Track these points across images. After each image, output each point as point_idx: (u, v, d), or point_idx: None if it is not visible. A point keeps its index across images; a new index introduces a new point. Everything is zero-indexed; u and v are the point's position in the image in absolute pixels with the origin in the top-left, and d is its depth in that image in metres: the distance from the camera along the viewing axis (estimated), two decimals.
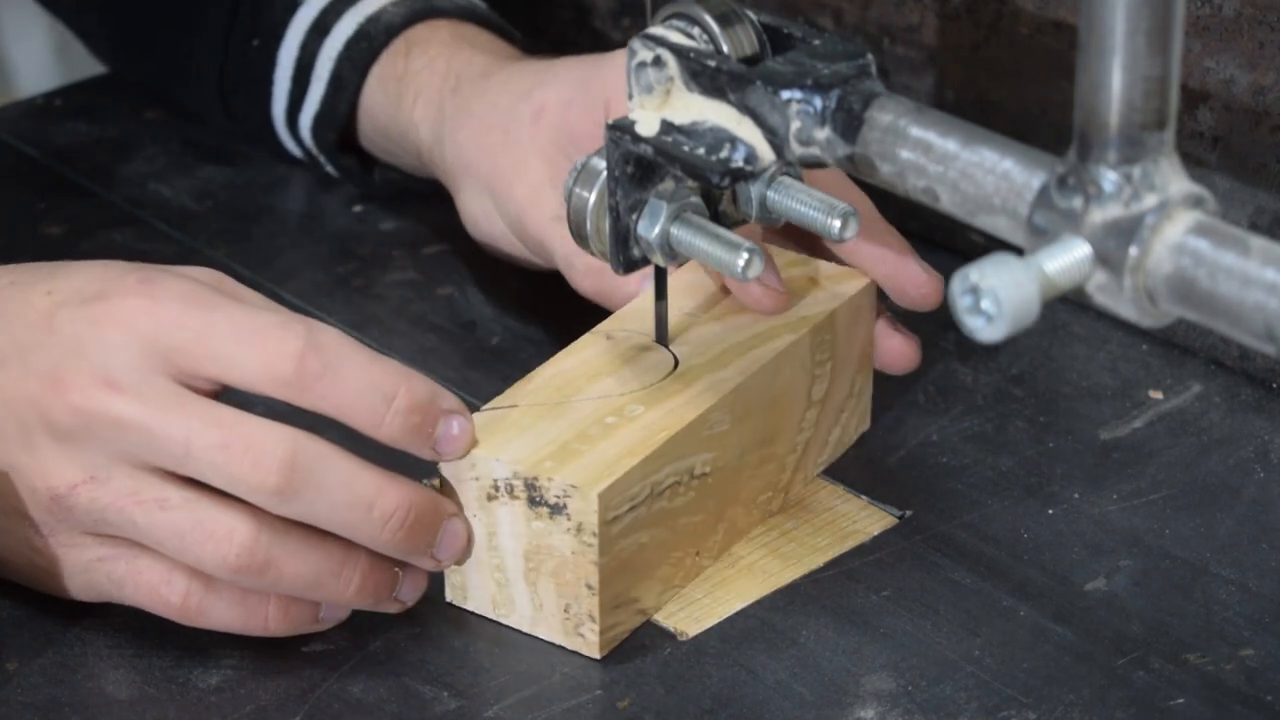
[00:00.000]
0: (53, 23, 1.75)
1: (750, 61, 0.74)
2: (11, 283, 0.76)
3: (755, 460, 0.81)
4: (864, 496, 0.85)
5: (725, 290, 0.84)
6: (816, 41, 0.73)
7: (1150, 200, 0.62)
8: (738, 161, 0.73)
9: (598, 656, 0.76)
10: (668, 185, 0.76)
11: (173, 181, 1.08)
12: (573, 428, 0.77)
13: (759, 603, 0.80)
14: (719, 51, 0.74)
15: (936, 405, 0.90)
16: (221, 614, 0.74)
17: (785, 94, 0.71)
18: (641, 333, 0.82)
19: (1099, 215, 0.62)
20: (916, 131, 0.68)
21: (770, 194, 0.74)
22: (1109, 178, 0.62)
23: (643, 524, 0.76)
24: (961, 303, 0.60)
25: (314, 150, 1.04)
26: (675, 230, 0.75)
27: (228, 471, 0.71)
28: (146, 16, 1.09)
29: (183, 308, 0.73)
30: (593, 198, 0.77)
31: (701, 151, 0.73)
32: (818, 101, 0.71)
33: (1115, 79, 0.61)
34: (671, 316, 0.82)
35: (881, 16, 1.01)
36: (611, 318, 0.84)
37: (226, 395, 0.73)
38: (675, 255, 0.76)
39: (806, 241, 0.89)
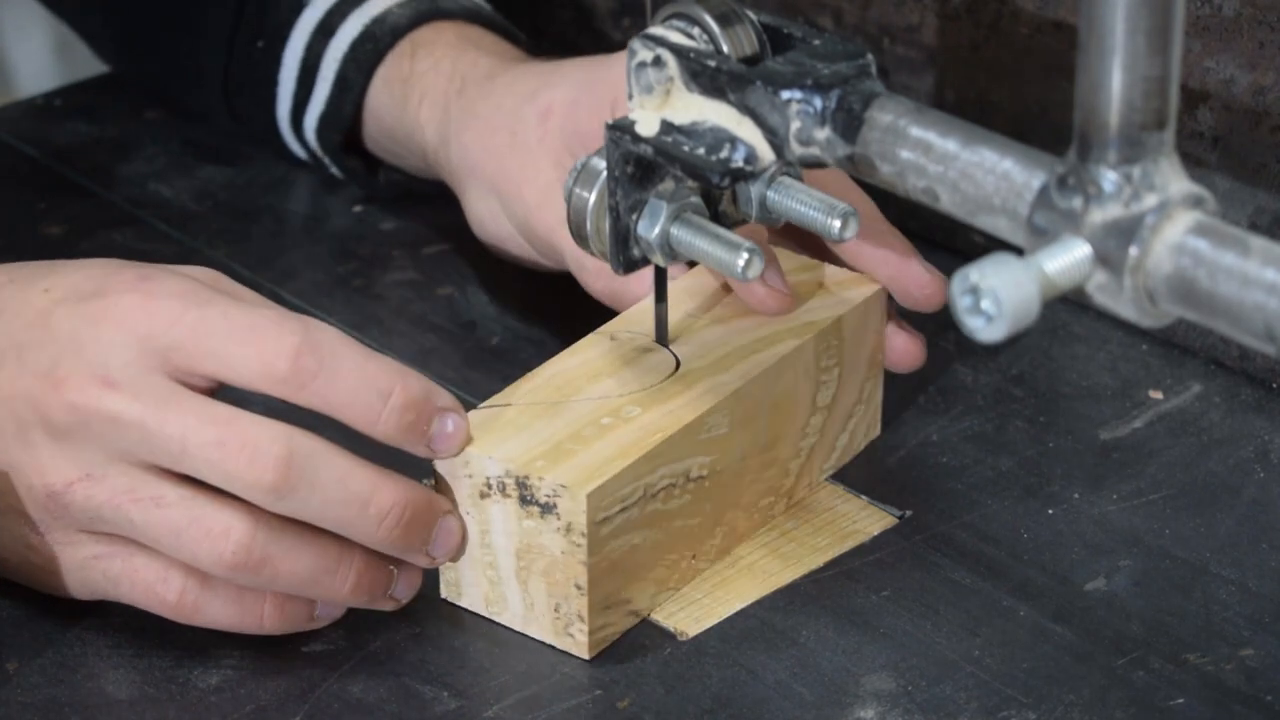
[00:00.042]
0: (53, 23, 1.74)
1: (750, 61, 0.74)
2: (10, 280, 0.76)
3: (756, 465, 0.81)
4: (864, 496, 0.85)
5: (731, 293, 0.84)
6: (816, 41, 0.73)
7: (1150, 200, 0.62)
8: (738, 161, 0.73)
9: (586, 657, 0.76)
10: (668, 185, 0.76)
11: (173, 181, 1.08)
12: (567, 427, 0.77)
13: (759, 603, 0.80)
14: (719, 51, 0.74)
15: (936, 405, 0.90)
16: (217, 612, 0.74)
17: (785, 94, 0.71)
18: (646, 334, 0.82)
19: (1099, 215, 0.62)
20: (916, 131, 0.68)
21: (770, 194, 0.74)
22: (1109, 178, 0.62)
23: (635, 525, 0.76)
24: (961, 303, 0.60)
25: (318, 152, 1.04)
26: (675, 230, 0.75)
27: (224, 469, 0.71)
28: (150, 18, 1.08)
29: (179, 305, 0.73)
30: (593, 198, 0.77)
31: (701, 151, 0.73)
32: (818, 101, 0.71)
33: (1115, 79, 0.61)
34: (677, 318, 0.82)
35: (881, 16, 1.01)
36: (617, 318, 0.83)
37: (223, 393, 0.74)
38: (675, 255, 0.76)
39: (810, 243, 0.89)
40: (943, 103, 1.00)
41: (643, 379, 0.79)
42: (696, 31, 0.74)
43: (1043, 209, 0.64)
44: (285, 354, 0.72)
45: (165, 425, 0.71)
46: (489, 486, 0.75)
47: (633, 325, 0.83)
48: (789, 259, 0.86)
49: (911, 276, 0.87)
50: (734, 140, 0.73)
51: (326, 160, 1.04)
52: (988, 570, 0.81)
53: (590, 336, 0.82)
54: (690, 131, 0.74)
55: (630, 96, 0.75)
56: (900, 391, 0.90)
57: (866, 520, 0.84)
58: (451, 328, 0.96)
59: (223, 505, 0.72)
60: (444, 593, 0.79)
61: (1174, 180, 0.62)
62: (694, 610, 0.79)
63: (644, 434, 0.76)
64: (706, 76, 0.73)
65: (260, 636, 0.76)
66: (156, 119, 1.13)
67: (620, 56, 0.88)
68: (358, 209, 1.05)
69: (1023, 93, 0.97)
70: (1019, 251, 0.63)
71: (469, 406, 0.77)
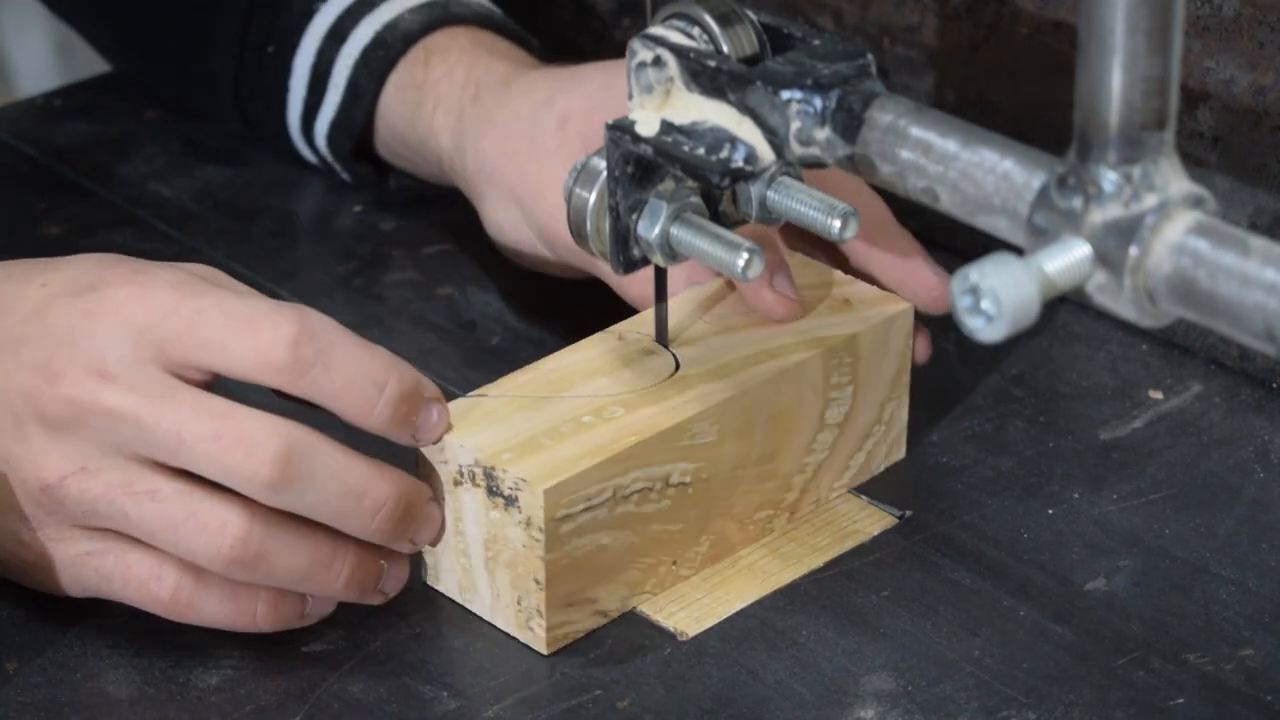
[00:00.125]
0: (53, 23, 1.74)
1: (750, 61, 0.74)
2: (8, 277, 0.76)
3: (752, 476, 0.81)
4: (864, 496, 0.85)
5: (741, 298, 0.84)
6: (816, 41, 0.73)
7: (1150, 200, 0.62)
8: (738, 161, 0.73)
9: (544, 652, 0.76)
10: (668, 185, 0.76)
11: (173, 181, 1.08)
12: (547, 423, 0.77)
13: (759, 603, 0.80)
14: (719, 51, 0.74)
15: (936, 405, 0.90)
16: (211, 609, 0.74)
17: (785, 94, 0.71)
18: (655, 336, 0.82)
19: (1099, 215, 0.62)
20: (916, 131, 0.68)
21: (770, 194, 0.74)
22: (1109, 178, 0.62)
23: (603, 525, 0.76)
24: (961, 303, 0.60)
25: (329, 158, 1.03)
26: (675, 230, 0.75)
27: (221, 463, 0.71)
28: (160, 24, 1.08)
29: (174, 296, 0.73)
30: (593, 198, 0.77)
31: (701, 151, 0.73)
32: (818, 101, 0.71)
33: (1115, 79, 0.61)
34: (690, 323, 0.82)
35: (881, 16, 1.01)
36: (631, 319, 0.83)
37: (217, 388, 0.73)
38: (675, 255, 0.76)
39: (823, 246, 0.89)
40: (943, 103, 1.00)
41: (637, 380, 0.79)
42: (696, 31, 0.74)
43: (1043, 209, 0.64)
44: (283, 342, 0.72)
45: (161, 419, 0.71)
46: (461, 475, 0.76)
47: (645, 326, 0.82)
48: (820, 272, 0.86)
49: (919, 279, 0.87)
50: (734, 140, 0.73)
51: (337, 166, 1.04)
52: (988, 570, 0.81)
53: (598, 335, 0.82)
54: (690, 131, 0.74)
55: (630, 96, 0.75)
56: None
57: (866, 520, 0.84)
58: (451, 328, 0.96)
59: (219, 500, 0.72)
60: (424, 576, 0.79)
61: (1174, 180, 0.62)
62: (694, 610, 0.79)
63: (619, 435, 0.76)
64: (706, 76, 0.73)
65: (260, 636, 0.76)
66: (156, 119, 1.13)
67: None
68: (358, 209, 1.05)
69: (1023, 93, 0.97)
70: (1019, 251, 0.63)
71: None
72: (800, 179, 0.74)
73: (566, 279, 0.93)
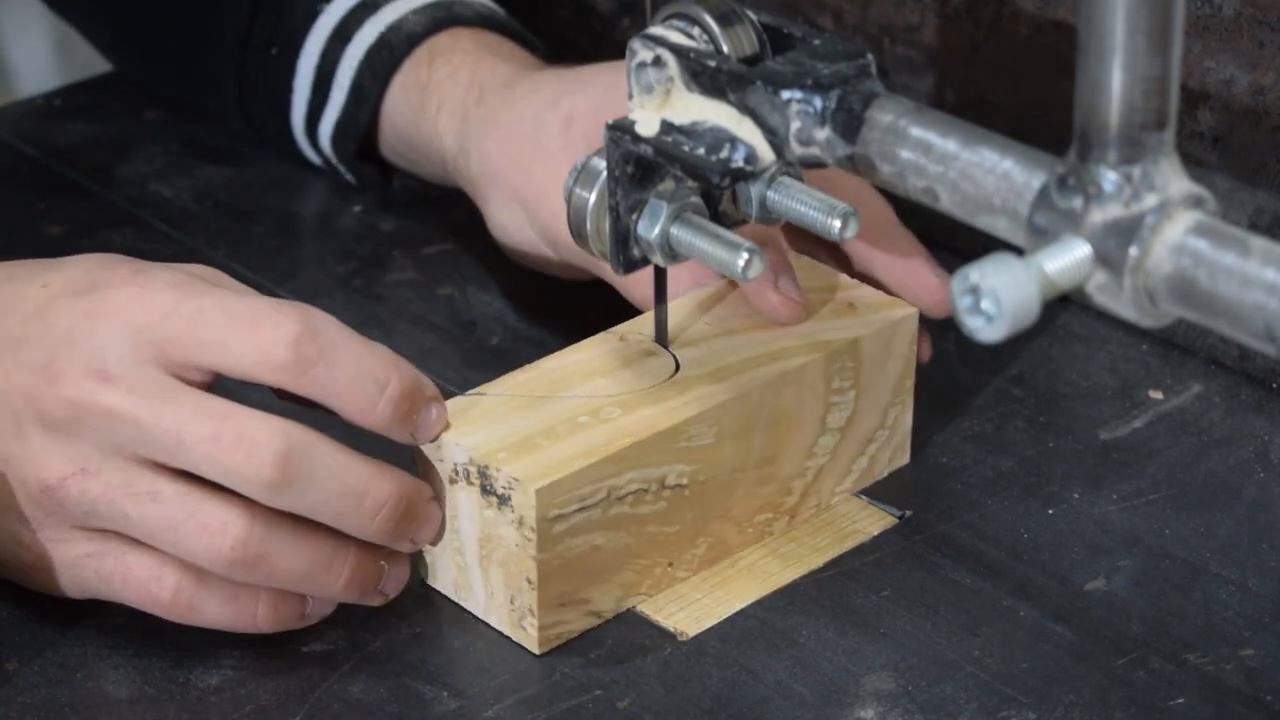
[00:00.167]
0: (53, 22, 1.74)
1: (750, 61, 0.74)
2: (10, 277, 0.76)
3: (751, 479, 0.81)
4: (864, 496, 0.85)
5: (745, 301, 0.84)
6: (816, 41, 0.73)
7: (1150, 200, 0.62)
8: (738, 161, 0.73)
9: (537, 651, 0.76)
10: (668, 185, 0.76)
11: (173, 181, 1.08)
12: (543, 422, 0.77)
13: (759, 603, 0.80)
14: (719, 51, 0.74)
15: (936, 404, 0.90)
16: (211, 611, 0.74)
17: (785, 94, 0.71)
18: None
19: (1099, 215, 0.62)
20: (916, 131, 0.68)
21: (770, 194, 0.74)
22: (1109, 178, 0.62)
23: (597, 526, 0.76)
24: (961, 303, 0.60)
25: (333, 159, 1.03)
26: (675, 230, 0.75)
27: (221, 463, 0.71)
28: (163, 25, 1.08)
29: (174, 296, 0.73)
30: (593, 198, 0.77)
31: (701, 151, 0.73)
32: (818, 101, 0.71)
33: (1115, 79, 0.61)
34: (693, 325, 0.82)
35: (881, 16, 1.01)
36: (633, 320, 0.83)
37: (218, 389, 0.73)
38: (675, 255, 0.76)
39: (826, 248, 0.89)
40: (943, 103, 1.00)
41: (636, 381, 0.79)
42: (696, 31, 0.74)
43: (1043, 209, 0.64)
44: (285, 341, 0.72)
45: (161, 420, 0.71)
46: (456, 473, 0.76)
47: (647, 328, 0.82)
48: (824, 275, 0.85)
49: (921, 281, 0.87)
50: (734, 140, 0.73)
51: (341, 168, 1.04)
52: (988, 570, 0.81)
53: (599, 335, 0.82)
54: (690, 131, 0.74)
55: (630, 96, 0.75)
56: None
57: (866, 520, 0.84)
58: (451, 328, 0.96)
59: (219, 500, 0.72)
60: (421, 573, 0.79)
61: (1174, 180, 0.62)
62: (694, 610, 0.79)
63: (615, 436, 0.76)
64: (706, 76, 0.73)
65: (260, 636, 0.76)
66: (156, 119, 1.13)
67: None
68: (358, 209, 1.05)
69: (1023, 93, 0.97)
70: (1019, 251, 0.63)
71: None
72: (800, 179, 0.74)
73: (569, 280, 0.93)
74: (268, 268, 1.00)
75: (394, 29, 0.99)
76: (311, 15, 1.02)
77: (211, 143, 1.11)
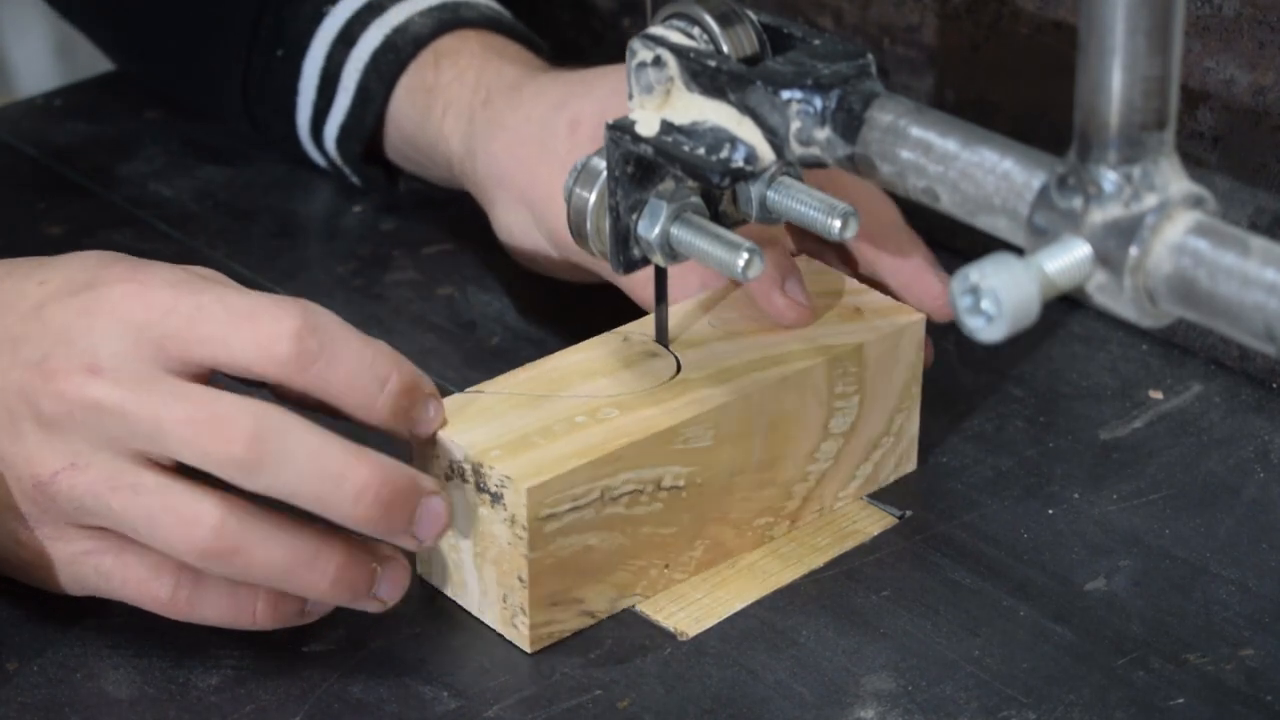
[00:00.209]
0: (53, 23, 1.74)
1: (750, 61, 0.74)
2: (8, 274, 0.76)
3: (750, 483, 0.80)
4: (864, 496, 0.85)
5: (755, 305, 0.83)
6: (816, 41, 0.73)
7: (1150, 200, 0.62)
8: (738, 161, 0.73)
9: (528, 650, 0.76)
10: (668, 185, 0.76)
11: (173, 181, 1.08)
12: (540, 421, 0.77)
13: (759, 603, 0.80)
14: (719, 51, 0.74)
15: (936, 405, 0.90)
16: (210, 608, 0.74)
17: (785, 94, 0.71)
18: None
19: (1099, 215, 0.62)
20: (916, 131, 0.68)
21: (770, 194, 0.74)
22: (1109, 178, 0.62)
23: (590, 526, 0.76)
24: (961, 303, 0.60)
25: (338, 161, 1.03)
26: (675, 230, 0.75)
27: (197, 446, 0.71)
28: (168, 27, 1.08)
29: (173, 294, 0.73)
30: (593, 198, 0.77)
31: (701, 151, 0.73)
32: (818, 101, 0.71)
33: (1115, 79, 0.61)
34: (699, 328, 0.82)
35: (881, 16, 1.01)
36: (638, 321, 0.83)
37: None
38: (675, 255, 0.76)
39: (832, 249, 0.89)
40: (943, 103, 1.00)
41: (636, 382, 0.79)
42: (696, 31, 0.74)
43: (1043, 209, 0.64)
44: (286, 335, 0.72)
45: (140, 407, 0.71)
46: (451, 470, 0.76)
47: (651, 329, 0.82)
48: (833, 279, 0.85)
49: (924, 287, 0.87)
50: (734, 140, 0.73)
51: (347, 170, 1.03)
52: (988, 570, 0.81)
53: (603, 335, 0.82)
54: (690, 131, 0.74)
55: (630, 96, 0.75)
56: None
57: (866, 520, 0.84)
58: (451, 328, 0.96)
59: (197, 492, 0.72)
60: (418, 569, 0.79)
61: (1174, 180, 0.62)
62: (694, 610, 0.79)
63: (610, 436, 0.76)
64: (706, 76, 0.73)
65: (260, 636, 0.76)
66: (156, 119, 1.13)
67: None
68: (358, 209, 1.05)
69: (1023, 93, 0.97)
70: (1019, 251, 0.63)
71: None
72: (800, 179, 0.74)
73: (576, 282, 0.93)
74: (268, 268, 1.00)
75: (400, 31, 0.99)
76: (317, 17, 1.01)
77: (211, 143, 1.11)
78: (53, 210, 1.05)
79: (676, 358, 0.81)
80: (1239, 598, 0.80)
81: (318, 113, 1.02)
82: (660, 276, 0.81)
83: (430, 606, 0.79)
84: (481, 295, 0.98)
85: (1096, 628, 0.78)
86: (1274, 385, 0.92)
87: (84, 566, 0.74)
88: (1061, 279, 0.62)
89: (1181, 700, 0.75)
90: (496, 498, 0.75)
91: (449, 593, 0.79)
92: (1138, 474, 0.87)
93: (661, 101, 0.75)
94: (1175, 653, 0.77)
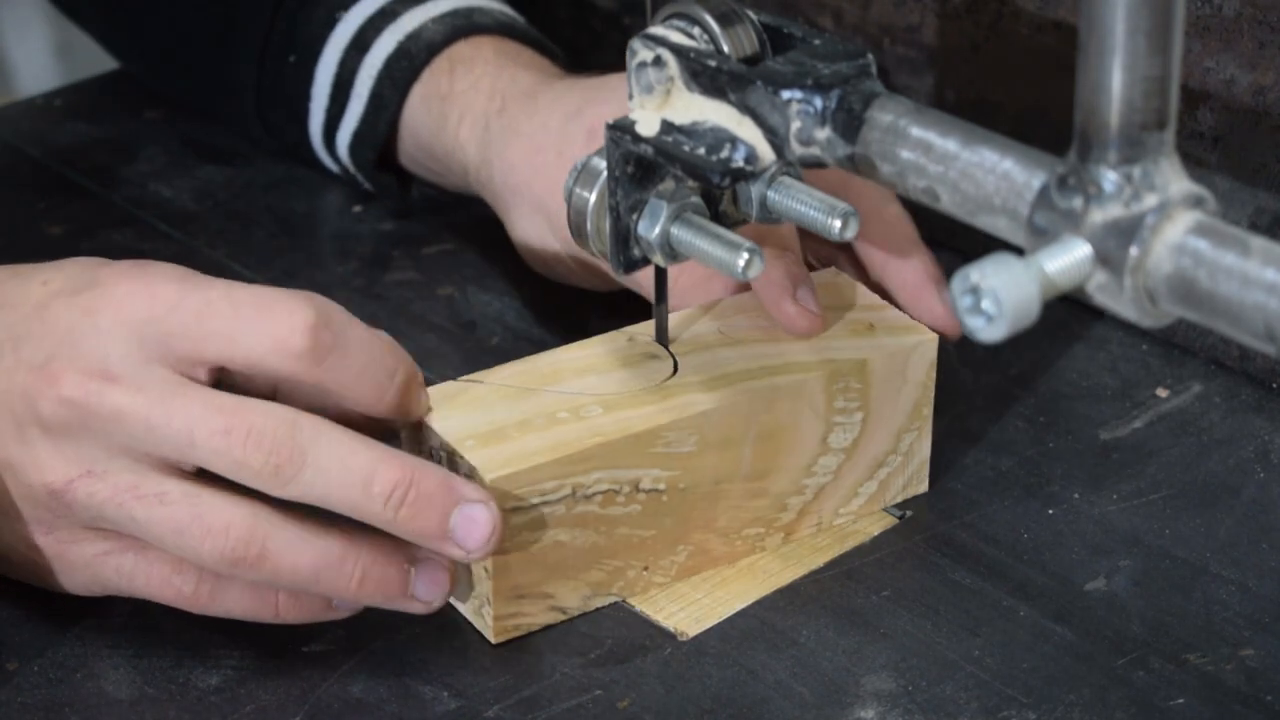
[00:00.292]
0: (53, 23, 1.74)
1: (750, 61, 0.74)
2: (13, 274, 0.75)
3: (738, 492, 0.80)
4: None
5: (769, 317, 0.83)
6: (816, 41, 0.73)
7: (1150, 200, 0.62)
8: (738, 161, 0.73)
9: (493, 641, 0.77)
10: (668, 185, 0.75)
11: (173, 181, 1.08)
12: (521, 414, 0.77)
13: (759, 603, 0.80)
14: (719, 51, 0.74)
15: (937, 405, 0.90)
16: (233, 602, 0.74)
17: (785, 94, 0.71)
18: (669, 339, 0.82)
19: (1099, 215, 0.62)
20: (916, 131, 0.68)
21: (771, 194, 0.74)
22: (1109, 178, 0.62)
23: (561, 522, 0.76)
24: (962, 303, 0.60)
25: (351, 168, 1.03)
26: (675, 230, 0.75)
27: (231, 456, 0.71)
28: (181, 32, 1.08)
29: (178, 289, 0.72)
30: (593, 198, 0.77)
31: (702, 151, 0.73)
32: (818, 101, 0.71)
33: (1115, 79, 0.61)
34: (707, 332, 0.82)
35: (881, 16, 1.01)
36: (648, 322, 0.82)
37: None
38: (675, 255, 0.76)
39: (847, 256, 0.89)
40: (943, 103, 1.00)
41: (629, 382, 0.79)
42: (697, 31, 0.74)
43: (1043, 209, 0.64)
44: (302, 329, 0.71)
45: (172, 418, 0.71)
46: (432, 455, 0.76)
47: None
48: (854, 293, 0.84)
49: (924, 305, 0.87)
50: (734, 140, 0.73)
51: (360, 177, 1.03)
52: (988, 570, 0.81)
53: (608, 334, 0.82)
54: (690, 131, 0.74)
55: (630, 96, 0.75)
56: None
57: (866, 520, 0.84)
58: (451, 328, 0.96)
59: (225, 501, 0.72)
60: None
61: (1174, 180, 0.62)
62: (694, 610, 0.79)
63: (586, 434, 0.76)
64: (707, 76, 0.73)
65: (260, 636, 0.76)
66: (156, 119, 1.13)
67: None
68: (357, 209, 1.05)
69: (1023, 93, 0.97)
70: (1019, 251, 0.63)
71: None
72: (800, 179, 0.74)
73: (594, 289, 0.93)
74: (268, 268, 1.00)
75: (413, 38, 0.99)
76: (330, 23, 1.01)
77: (211, 143, 1.11)
78: (53, 210, 1.05)
79: (675, 360, 0.80)
80: (1239, 598, 0.80)
81: (330, 119, 1.02)
82: (660, 276, 0.81)
83: None
84: (481, 295, 0.98)
85: (1096, 628, 0.78)
86: (1274, 385, 0.92)
87: (104, 567, 0.74)
88: (1061, 279, 0.62)
89: (1181, 700, 0.75)
90: None
91: None
92: (1138, 474, 0.87)
93: (662, 101, 0.75)
94: (1175, 653, 0.77)
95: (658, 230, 0.75)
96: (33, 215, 1.05)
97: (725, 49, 0.74)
